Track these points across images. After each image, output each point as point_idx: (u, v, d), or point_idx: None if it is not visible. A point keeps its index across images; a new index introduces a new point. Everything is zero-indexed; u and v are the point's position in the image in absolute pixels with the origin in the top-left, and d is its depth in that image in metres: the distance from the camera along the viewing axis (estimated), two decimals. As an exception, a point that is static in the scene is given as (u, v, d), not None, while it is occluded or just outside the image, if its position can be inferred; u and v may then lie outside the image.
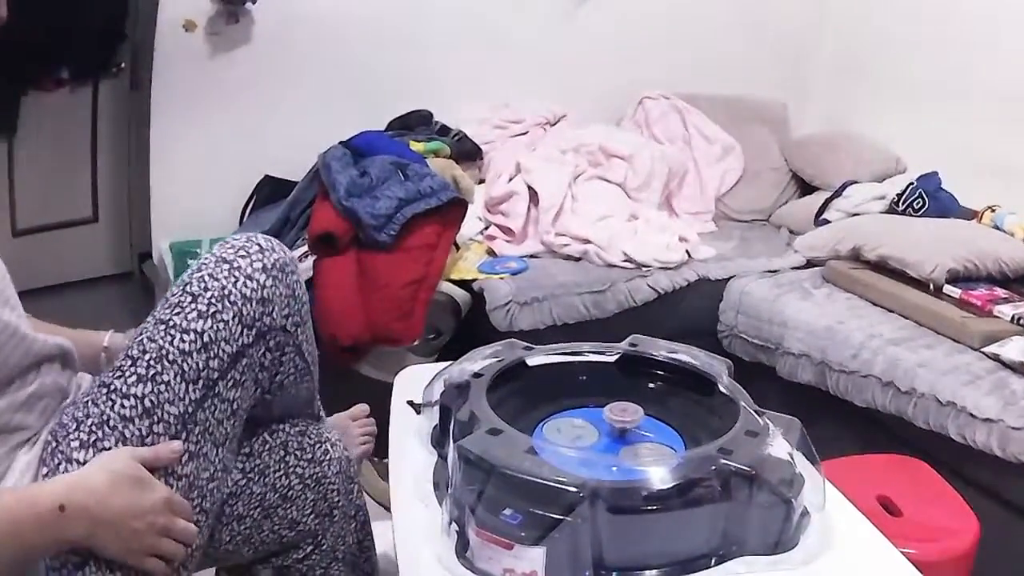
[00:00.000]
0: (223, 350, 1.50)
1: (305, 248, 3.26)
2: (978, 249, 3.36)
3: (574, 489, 1.31)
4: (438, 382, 1.76)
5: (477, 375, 1.69)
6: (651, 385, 1.80)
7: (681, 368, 1.79)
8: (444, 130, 4.12)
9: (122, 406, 1.44)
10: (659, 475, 1.36)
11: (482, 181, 4.05)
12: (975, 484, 2.59)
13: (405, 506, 1.59)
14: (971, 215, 3.82)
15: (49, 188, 4.11)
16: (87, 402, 1.47)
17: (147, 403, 1.44)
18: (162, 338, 1.47)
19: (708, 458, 1.40)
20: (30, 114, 3.80)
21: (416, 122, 4.14)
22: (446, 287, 3.34)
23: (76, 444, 1.43)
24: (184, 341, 1.47)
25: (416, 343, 3.11)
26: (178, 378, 1.46)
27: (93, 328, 1.82)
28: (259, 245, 1.58)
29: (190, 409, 1.47)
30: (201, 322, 1.48)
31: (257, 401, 1.63)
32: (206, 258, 1.55)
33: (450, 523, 1.40)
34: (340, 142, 3.59)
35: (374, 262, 3.16)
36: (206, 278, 1.51)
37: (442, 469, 1.57)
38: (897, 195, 3.95)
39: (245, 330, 1.52)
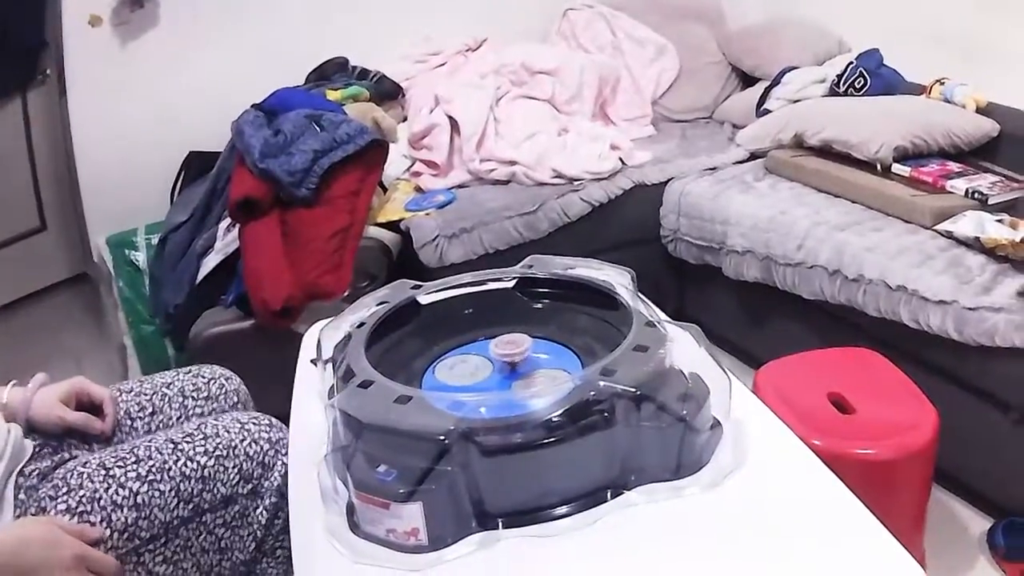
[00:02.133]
0: (218, 489, 1.65)
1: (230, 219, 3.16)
2: (927, 123, 3.24)
3: (440, 436, 1.19)
4: (329, 334, 1.65)
5: (360, 325, 1.57)
6: (547, 305, 1.69)
7: (579, 284, 1.66)
8: (363, 74, 4.03)
9: (116, 493, 1.55)
10: (536, 407, 1.24)
11: (406, 119, 3.93)
12: (934, 370, 2.50)
13: (300, 471, 1.49)
14: (919, 90, 3.69)
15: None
16: (83, 475, 1.57)
17: (139, 500, 1.56)
18: (169, 455, 1.63)
19: (588, 383, 1.26)
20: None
21: (332, 70, 4.06)
22: (374, 231, 3.27)
23: (63, 508, 1.52)
24: (187, 467, 1.62)
25: (348, 293, 3.00)
26: (172, 493, 1.59)
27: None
28: (269, 421, 1.78)
29: (175, 522, 1.60)
30: (206, 458, 1.64)
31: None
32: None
33: (335, 488, 1.31)
34: (252, 105, 3.50)
35: (298, 219, 3.07)
36: (220, 429, 1.70)
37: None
38: (837, 76, 3.81)
39: (243, 482, 1.68)
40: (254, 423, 1.74)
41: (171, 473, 1.60)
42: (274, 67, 3.96)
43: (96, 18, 3.74)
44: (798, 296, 2.91)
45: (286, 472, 1.70)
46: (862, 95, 3.69)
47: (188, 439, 1.66)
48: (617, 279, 1.64)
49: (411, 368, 1.54)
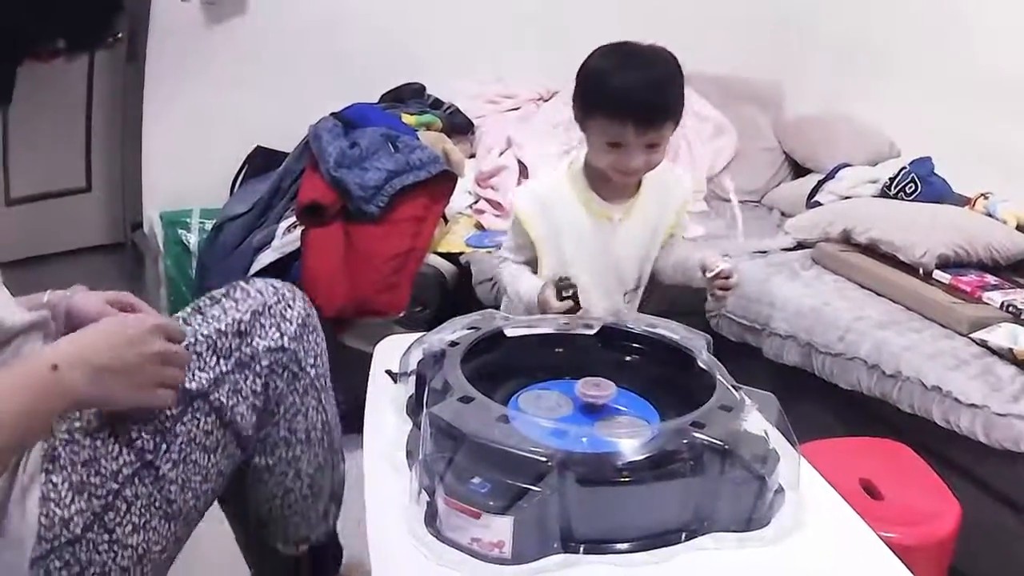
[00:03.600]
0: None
1: (294, 219, 3.24)
2: (969, 235, 3.35)
3: (543, 459, 1.29)
4: (415, 351, 1.74)
5: (453, 344, 1.67)
6: (629, 358, 1.78)
7: (660, 342, 1.77)
8: (437, 103, 4.12)
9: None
10: (630, 447, 1.34)
11: (473, 155, 4.03)
12: (959, 469, 2.57)
13: (377, 473, 1.57)
14: (964, 201, 3.79)
15: (43, 158, 4.12)
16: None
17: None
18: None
19: (680, 431, 1.38)
20: (25, 84, 3.81)
21: (409, 95, 4.14)
22: (433, 260, 3.34)
23: None
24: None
25: (402, 315, 3.09)
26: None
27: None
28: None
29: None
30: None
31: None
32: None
33: (419, 491, 1.38)
34: (331, 113, 3.59)
35: (362, 233, 3.16)
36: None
37: (416, 438, 1.54)
38: (889, 179, 3.92)
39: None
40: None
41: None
42: (351, 80, 4.05)
43: (187, -9, 3.73)
44: (834, 385, 2.98)
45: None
46: (912, 200, 3.79)
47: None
48: (696, 342, 1.76)
49: (495, 395, 1.59)
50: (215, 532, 1.93)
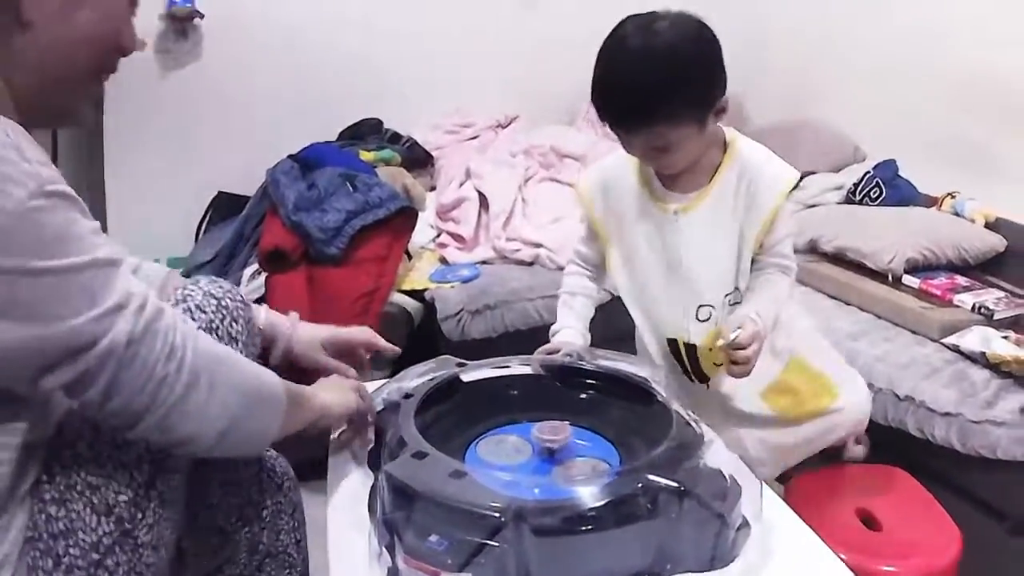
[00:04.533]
0: None
1: (257, 266, 3.22)
2: (937, 236, 3.35)
3: (496, 513, 1.27)
4: (376, 400, 1.73)
5: (407, 396, 1.66)
6: (586, 395, 1.76)
7: (617, 378, 1.75)
8: (395, 138, 4.11)
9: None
10: (585, 494, 1.32)
11: (434, 188, 4.02)
12: (934, 478, 2.55)
13: (339, 531, 1.55)
14: (931, 202, 3.81)
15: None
16: None
17: None
18: None
19: (635, 474, 1.35)
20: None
21: (367, 131, 4.14)
22: (398, 298, 3.31)
23: None
24: None
25: (369, 357, 3.06)
26: None
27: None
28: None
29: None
30: None
31: None
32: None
33: (380, 551, 1.36)
34: (288, 156, 3.58)
35: (325, 276, 3.14)
36: None
37: (376, 494, 1.52)
38: (854, 184, 3.93)
39: None
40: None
41: None
42: (309, 120, 4.05)
43: (141, 41, 3.79)
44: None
45: None
46: (877, 204, 3.80)
47: None
48: (651, 375, 1.73)
49: (453, 443, 1.60)
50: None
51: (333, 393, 1.65)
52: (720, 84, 1.86)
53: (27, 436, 1.37)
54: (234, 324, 1.64)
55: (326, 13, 4.15)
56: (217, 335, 1.58)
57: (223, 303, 1.62)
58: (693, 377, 2.15)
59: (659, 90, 1.82)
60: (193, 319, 1.57)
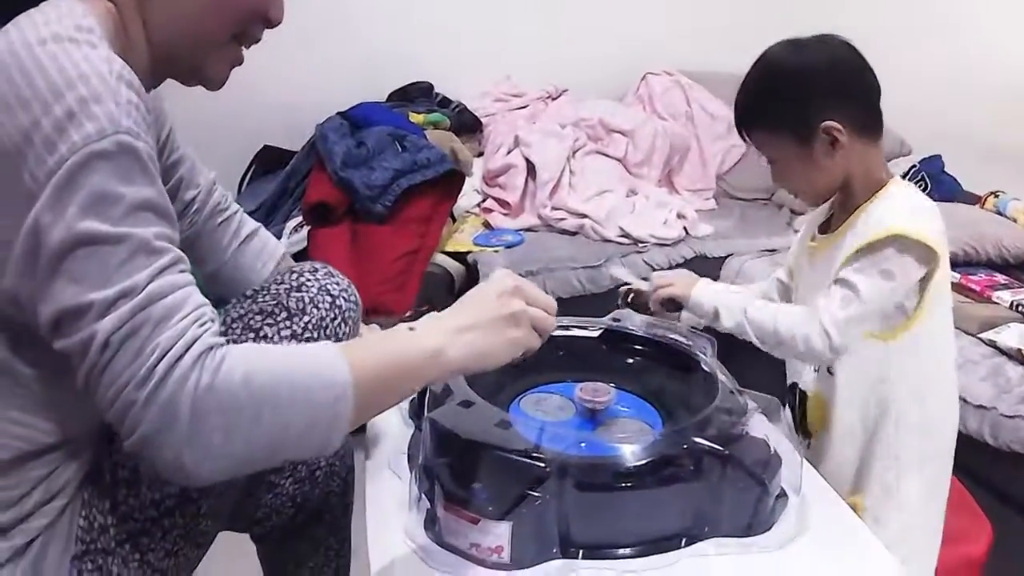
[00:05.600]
0: None
1: (300, 219, 3.25)
2: (979, 233, 3.35)
3: (541, 464, 1.28)
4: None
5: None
6: (632, 361, 1.77)
7: (663, 344, 1.76)
8: (444, 102, 4.12)
9: None
10: (629, 452, 1.34)
11: (481, 154, 4.05)
12: (972, 475, 2.55)
13: (378, 477, 1.57)
14: (974, 200, 3.81)
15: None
16: None
17: None
18: None
19: (680, 436, 1.37)
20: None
21: (416, 94, 4.14)
22: (441, 259, 3.34)
23: None
24: None
25: (409, 315, 3.08)
26: None
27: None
28: None
29: None
30: None
31: None
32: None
33: (419, 496, 1.37)
34: (338, 112, 3.61)
35: (369, 233, 3.17)
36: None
37: (417, 442, 1.54)
38: (900, 176, 3.92)
39: None
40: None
41: None
42: (359, 79, 4.05)
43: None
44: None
45: None
46: (922, 198, 3.79)
47: None
48: (699, 345, 1.74)
49: (497, 398, 1.59)
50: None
51: (491, 336, 1.34)
52: (824, 107, 1.81)
53: None
54: (343, 326, 1.58)
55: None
56: (325, 334, 1.54)
57: (337, 302, 1.57)
58: (799, 430, 2.04)
59: (753, 95, 1.89)
60: (304, 313, 1.52)
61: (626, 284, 2.14)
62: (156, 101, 1.63)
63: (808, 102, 1.82)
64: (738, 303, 1.92)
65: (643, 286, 2.08)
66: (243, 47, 1.44)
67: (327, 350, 1.23)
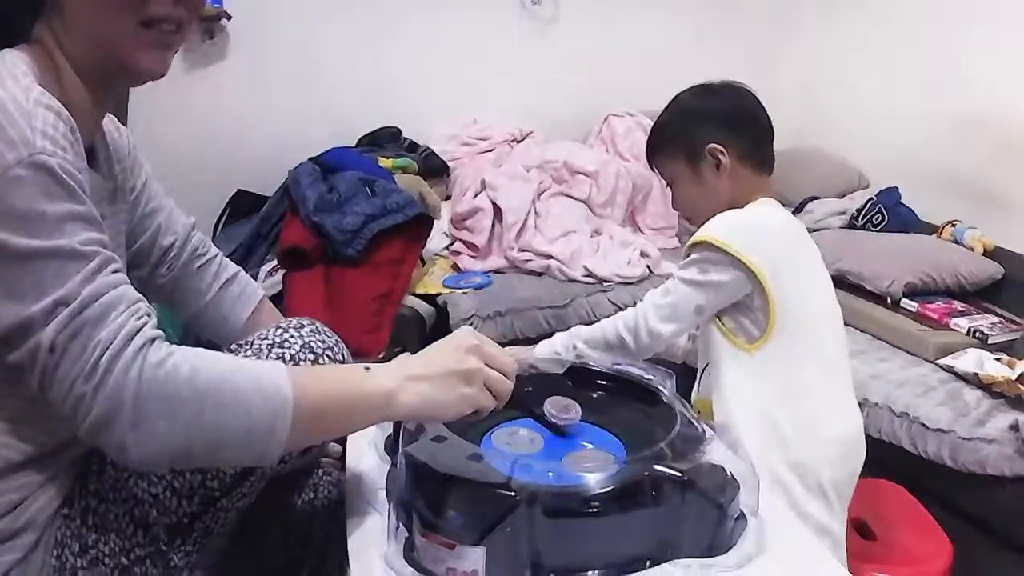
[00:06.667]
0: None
1: (275, 263, 3.30)
2: (936, 263, 3.45)
3: (512, 493, 1.36)
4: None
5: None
6: (596, 395, 1.84)
7: (624, 379, 1.85)
8: (412, 147, 4.19)
9: None
10: (594, 480, 1.41)
11: (449, 197, 4.11)
12: (933, 496, 2.64)
13: (357, 510, 1.64)
14: (932, 229, 3.90)
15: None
16: None
17: None
18: None
19: (642, 464, 1.45)
20: None
21: (385, 139, 4.21)
22: (412, 301, 3.40)
23: None
24: None
25: (381, 356, 3.14)
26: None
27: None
28: None
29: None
30: None
31: None
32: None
33: (397, 526, 1.44)
34: (310, 158, 3.66)
35: (342, 276, 3.22)
36: None
37: (394, 477, 1.61)
38: (857, 210, 4.02)
39: None
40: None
41: None
42: (330, 125, 4.14)
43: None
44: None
45: None
46: (879, 230, 3.89)
47: None
48: (659, 378, 1.83)
49: (468, 434, 1.62)
50: None
51: (442, 389, 1.44)
52: (712, 133, 2.13)
53: None
54: None
55: (350, 26, 4.24)
56: None
57: (320, 361, 1.57)
58: None
59: (657, 125, 2.27)
60: None
61: None
62: (131, 151, 1.69)
63: (699, 128, 2.14)
64: (567, 336, 2.16)
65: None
66: (162, 28, 1.42)
67: (275, 368, 1.32)
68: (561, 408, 1.68)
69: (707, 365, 2.16)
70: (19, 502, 1.39)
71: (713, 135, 2.11)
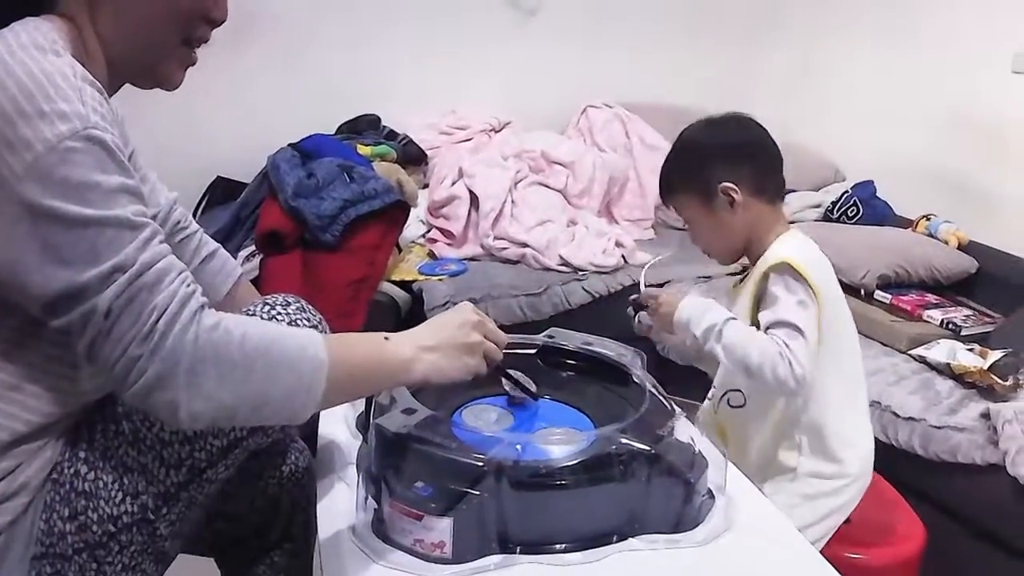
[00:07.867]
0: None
1: (253, 248, 3.30)
2: (910, 256, 3.47)
3: (480, 464, 1.37)
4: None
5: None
6: (566, 375, 1.87)
7: (596, 358, 1.86)
8: (391, 135, 4.17)
9: None
10: (561, 453, 1.43)
11: (426, 185, 4.11)
12: (898, 483, 2.65)
13: (327, 484, 1.67)
14: (907, 223, 3.92)
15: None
16: None
17: None
18: None
19: (610, 438, 1.46)
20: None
21: (365, 126, 4.19)
22: (387, 287, 3.40)
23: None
24: None
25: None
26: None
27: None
28: None
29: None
30: None
31: None
32: None
33: (366, 498, 1.46)
34: (289, 144, 3.64)
35: (319, 261, 3.21)
36: None
37: (365, 453, 1.61)
38: (832, 203, 4.04)
39: None
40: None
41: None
42: (309, 111, 4.10)
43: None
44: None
45: None
46: (854, 223, 3.91)
47: None
48: (630, 359, 1.84)
49: (438, 410, 1.65)
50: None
51: (450, 359, 1.53)
52: (722, 171, 2.05)
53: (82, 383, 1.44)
54: None
55: (331, 15, 4.23)
56: None
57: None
58: None
59: (669, 165, 2.18)
60: None
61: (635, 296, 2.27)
62: (121, 123, 1.70)
63: (710, 168, 2.07)
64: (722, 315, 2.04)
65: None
66: (193, 49, 1.54)
67: (311, 334, 1.40)
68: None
69: (734, 391, 2.17)
70: (14, 468, 1.41)
71: (724, 173, 2.05)
